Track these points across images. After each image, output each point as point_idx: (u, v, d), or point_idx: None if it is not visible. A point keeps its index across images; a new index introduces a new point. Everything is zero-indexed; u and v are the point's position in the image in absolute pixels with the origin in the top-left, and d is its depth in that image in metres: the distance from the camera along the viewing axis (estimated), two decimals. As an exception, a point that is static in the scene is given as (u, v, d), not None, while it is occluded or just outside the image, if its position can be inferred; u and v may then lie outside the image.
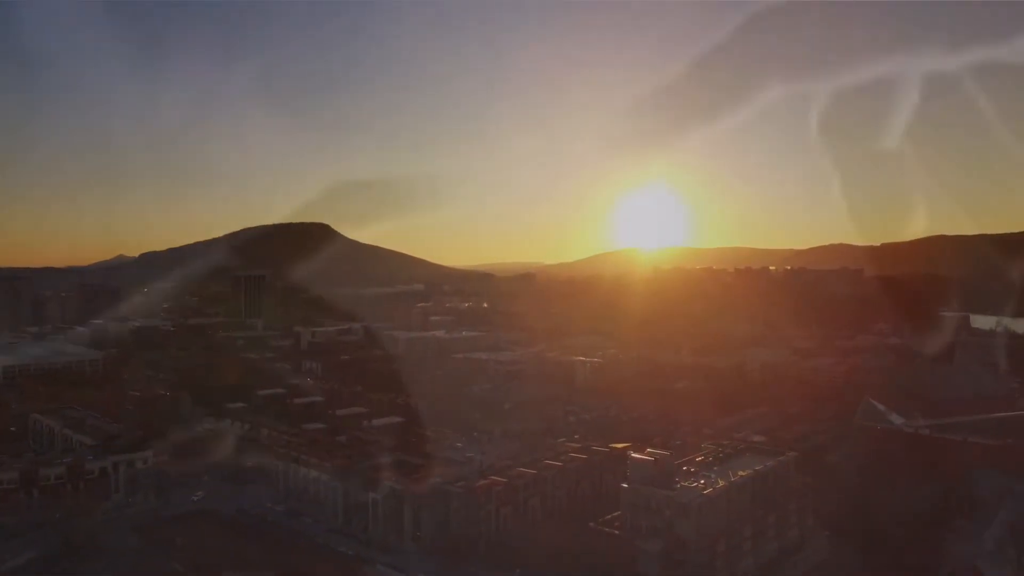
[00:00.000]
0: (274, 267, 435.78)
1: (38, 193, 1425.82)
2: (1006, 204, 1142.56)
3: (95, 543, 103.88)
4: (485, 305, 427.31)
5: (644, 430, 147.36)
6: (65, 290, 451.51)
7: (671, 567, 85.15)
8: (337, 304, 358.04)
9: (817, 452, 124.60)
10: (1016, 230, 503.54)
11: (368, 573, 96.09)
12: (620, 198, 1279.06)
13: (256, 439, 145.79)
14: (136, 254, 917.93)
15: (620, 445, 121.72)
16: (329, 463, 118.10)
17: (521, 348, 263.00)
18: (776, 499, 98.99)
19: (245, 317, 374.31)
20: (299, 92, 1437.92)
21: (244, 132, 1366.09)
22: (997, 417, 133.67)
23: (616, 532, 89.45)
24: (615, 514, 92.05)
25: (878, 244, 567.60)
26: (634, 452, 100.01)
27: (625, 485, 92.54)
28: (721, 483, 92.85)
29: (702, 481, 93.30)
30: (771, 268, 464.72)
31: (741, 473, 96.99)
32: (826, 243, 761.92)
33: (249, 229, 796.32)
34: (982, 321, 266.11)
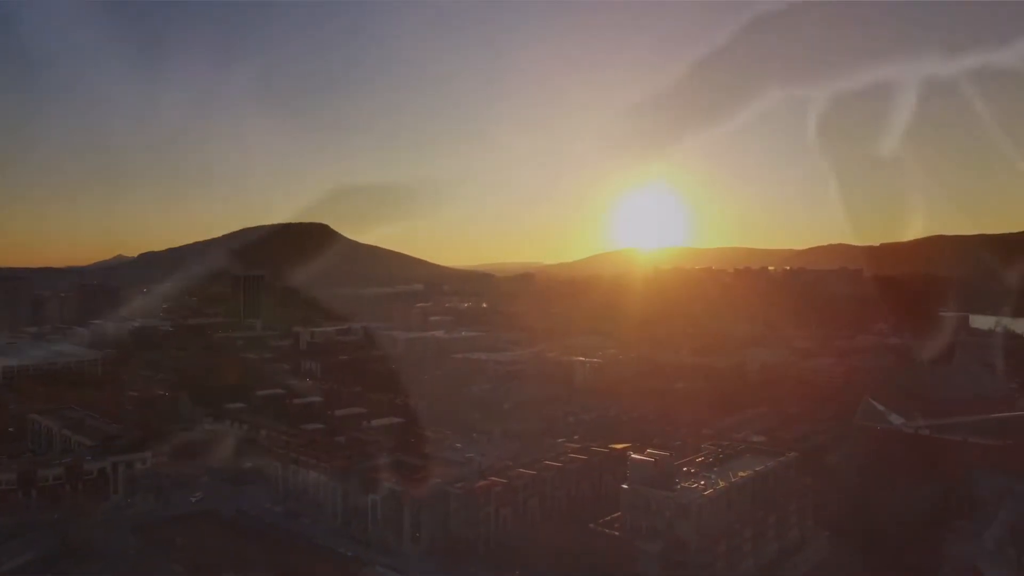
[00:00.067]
0: (273, 267, 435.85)
1: (38, 193, 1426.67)
2: (1005, 205, 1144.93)
3: (94, 544, 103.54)
4: (484, 305, 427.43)
5: (644, 430, 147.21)
6: (64, 290, 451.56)
7: (671, 568, 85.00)
8: (336, 304, 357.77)
9: (817, 452, 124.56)
10: (1015, 230, 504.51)
11: (367, 574, 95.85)
12: (620, 198, 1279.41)
13: (255, 440, 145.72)
14: (135, 254, 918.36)
15: (620, 446, 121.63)
16: (328, 464, 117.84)
17: (520, 348, 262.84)
18: (776, 500, 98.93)
19: (244, 317, 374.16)
20: (299, 92, 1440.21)
21: (244, 132, 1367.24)
22: (997, 417, 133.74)
23: (616, 533, 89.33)
24: (615, 515, 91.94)
25: (877, 244, 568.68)
26: (634, 453, 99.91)
27: (625, 486, 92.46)
28: (721, 484, 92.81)
29: (702, 482, 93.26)
30: (770, 268, 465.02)
31: (741, 474, 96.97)
32: (825, 243, 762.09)
33: (249, 229, 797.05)
34: (981, 321, 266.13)
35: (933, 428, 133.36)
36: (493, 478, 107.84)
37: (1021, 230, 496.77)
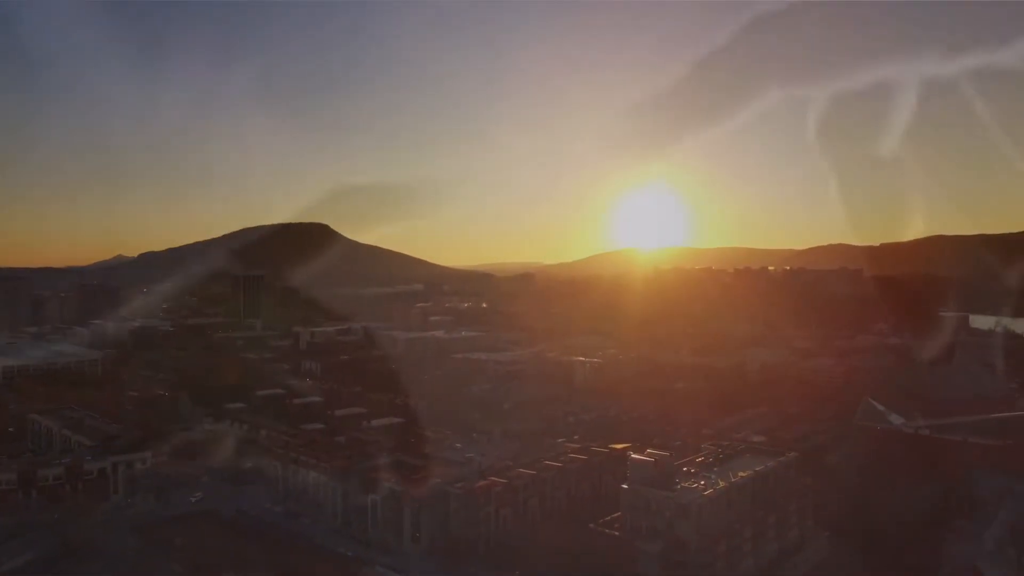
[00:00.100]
0: (273, 267, 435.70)
1: (37, 193, 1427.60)
2: (1005, 205, 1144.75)
3: (94, 544, 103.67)
4: (484, 305, 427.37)
5: (644, 430, 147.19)
6: (64, 290, 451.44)
7: (671, 568, 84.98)
8: (336, 304, 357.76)
9: (817, 452, 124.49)
10: (1015, 230, 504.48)
11: (367, 574, 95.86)
12: (619, 198, 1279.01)
13: (255, 440, 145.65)
14: (135, 254, 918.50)
15: (620, 446, 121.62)
16: (328, 464, 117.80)
17: (520, 348, 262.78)
18: (776, 500, 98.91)
19: (244, 317, 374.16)
20: (299, 92, 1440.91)
21: (244, 132, 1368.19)
22: (997, 417, 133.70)
23: (616, 533, 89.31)
24: (615, 515, 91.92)
25: (877, 244, 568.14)
26: (634, 453, 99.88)
27: (625, 486, 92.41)
28: (721, 484, 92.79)
29: (702, 482, 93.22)
30: (770, 268, 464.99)
31: (741, 474, 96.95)
32: (825, 243, 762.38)
33: (248, 229, 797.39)
34: (981, 321, 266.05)
35: (933, 428, 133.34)
36: (493, 478, 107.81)
37: (1021, 230, 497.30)
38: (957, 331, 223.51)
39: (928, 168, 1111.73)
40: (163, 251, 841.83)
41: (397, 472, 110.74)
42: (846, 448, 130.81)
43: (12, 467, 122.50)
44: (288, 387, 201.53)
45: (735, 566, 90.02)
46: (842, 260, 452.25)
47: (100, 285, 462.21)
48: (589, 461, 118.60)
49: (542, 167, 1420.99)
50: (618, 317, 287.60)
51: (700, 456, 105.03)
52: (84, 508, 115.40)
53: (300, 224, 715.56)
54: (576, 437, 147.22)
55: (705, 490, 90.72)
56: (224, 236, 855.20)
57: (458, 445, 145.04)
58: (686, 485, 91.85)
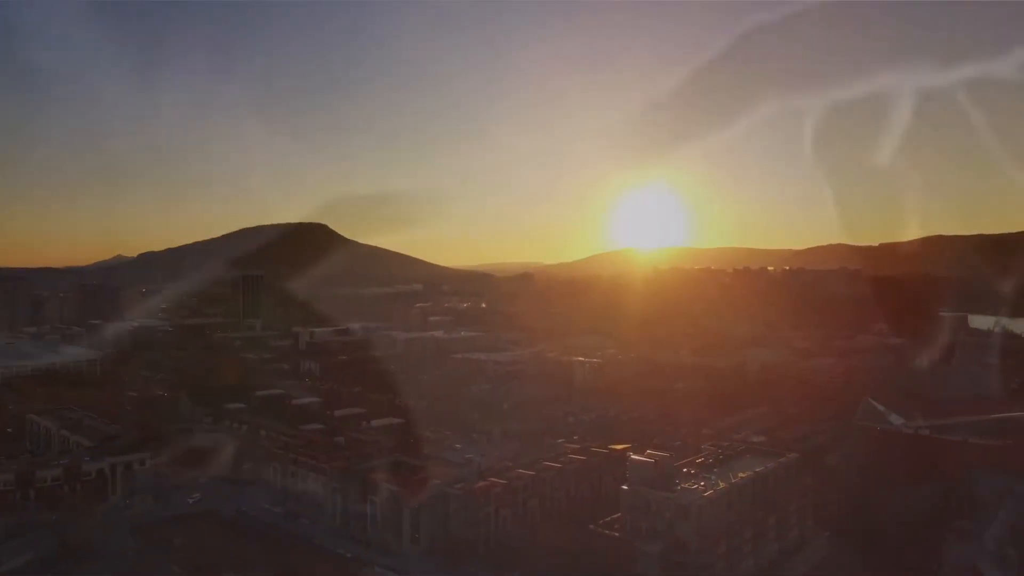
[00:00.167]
0: (273, 267, 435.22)
1: (37, 193, 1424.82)
2: (1004, 205, 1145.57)
3: (93, 545, 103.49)
4: (484, 305, 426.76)
5: (644, 431, 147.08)
6: (64, 290, 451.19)
7: (671, 569, 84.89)
8: (336, 304, 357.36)
9: (817, 453, 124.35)
10: (1013, 230, 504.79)
11: (367, 575, 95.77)
12: (619, 198, 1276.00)
13: (255, 440, 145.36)
14: (135, 254, 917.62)
15: (620, 446, 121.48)
16: (328, 465, 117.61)
17: (520, 348, 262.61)
18: (777, 501, 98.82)
19: (243, 317, 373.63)
20: (299, 92, 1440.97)
21: (243, 133, 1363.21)
22: (997, 417, 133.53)
23: (616, 534, 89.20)
24: (615, 516, 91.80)
25: (876, 244, 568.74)
26: (634, 453, 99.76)
27: (625, 487, 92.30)
28: (722, 485, 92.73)
29: (702, 483, 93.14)
30: (770, 268, 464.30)
31: (741, 475, 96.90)
32: (824, 243, 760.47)
33: (248, 230, 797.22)
34: (980, 321, 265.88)
35: (933, 428, 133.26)
36: (493, 479, 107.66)
37: (1019, 230, 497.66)
38: (956, 331, 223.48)
39: (927, 169, 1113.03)
40: (162, 251, 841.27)
41: (396, 473, 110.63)
42: (846, 448, 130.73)
43: (10, 468, 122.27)
44: (287, 387, 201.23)
45: (735, 567, 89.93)
46: (841, 260, 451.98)
47: (100, 285, 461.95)
48: (589, 462, 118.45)
49: (542, 167, 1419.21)
50: (618, 317, 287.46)
51: (700, 457, 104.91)
52: (83, 509, 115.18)
53: (299, 224, 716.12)
54: (576, 437, 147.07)
55: (705, 491, 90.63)
56: (223, 236, 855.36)
57: (457, 445, 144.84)
58: (686, 486, 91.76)
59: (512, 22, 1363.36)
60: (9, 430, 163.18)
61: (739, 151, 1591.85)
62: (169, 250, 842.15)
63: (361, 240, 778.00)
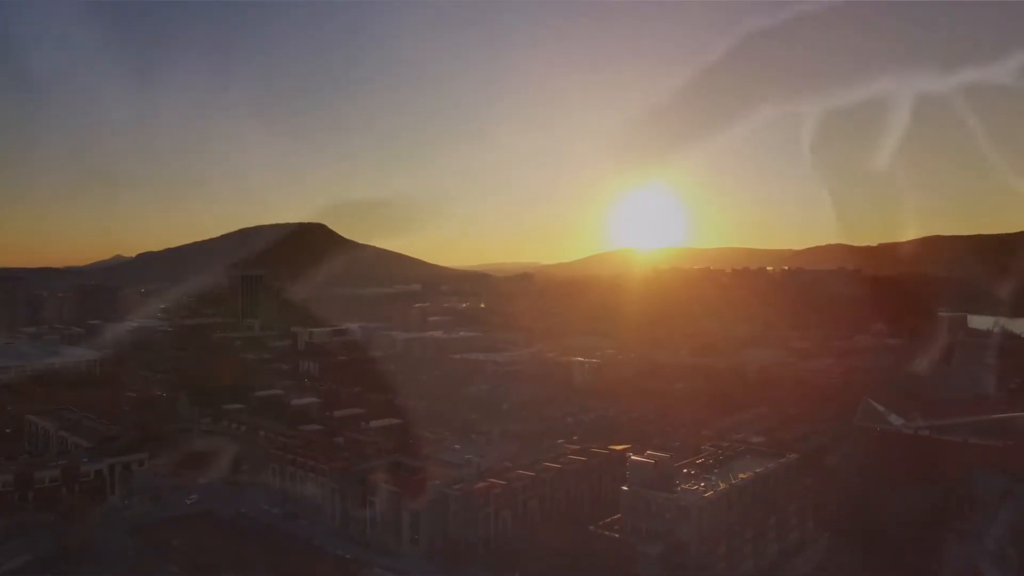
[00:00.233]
0: (272, 268, 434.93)
1: (36, 193, 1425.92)
2: (1002, 205, 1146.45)
3: (91, 545, 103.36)
4: (483, 305, 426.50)
5: (643, 431, 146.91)
6: (63, 291, 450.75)
7: (671, 570, 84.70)
8: (334, 305, 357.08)
9: (817, 453, 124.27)
10: (1012, 230, 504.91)
11: None
12: (618, 199, 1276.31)
13: (253, 441, 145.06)
14: (134, 254, 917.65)
15: (619, 447, 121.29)
16: (327, 465, 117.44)
17: (519, 348, 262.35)
18: (777, 501, 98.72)
19: (242, 318, 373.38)
20: (299, 93, 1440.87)
21: (243, 133, 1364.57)
22: (997, 417, 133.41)
23: (616, 535, 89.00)
24: (615, 517, 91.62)
25: (875, 245, 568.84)
26: (633, 454, 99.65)
27: (625, 488, 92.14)
28: (722, 486, 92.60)
29: (702, 484, 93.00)
30: (769, 268, 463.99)
31: (741, 475, 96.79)
32: (823, 243, 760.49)
33: (247, 230, 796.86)
34: (979, 321, 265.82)
35: (933, 428, 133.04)
36: (492, 480, 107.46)
37: (1018, 230, 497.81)
38: (955, 331, 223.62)
39: (925, 170, 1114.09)
40: (162, 252, 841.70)
41: (396, 474, 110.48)
42: (846, 448, 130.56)
43: (9, 468, 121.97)
44: (286, 388, 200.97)
45: (735, 568, 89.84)
46: (840, 260, 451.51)
47: (99, 286, 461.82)
48: (588, 462, 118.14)
49: (541, 168, 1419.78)
50: (617, 317, 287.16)
51: (700, 457, 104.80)
52: (81, 510, 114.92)
53: (299, 224, 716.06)
54: (575, 438, 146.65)
55: (705, 492, 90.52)
56: (222, 237, 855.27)
57: (457, 446, 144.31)
58: (686, 487, 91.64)
59: (512, 22, 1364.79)
60: (8, 431, 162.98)
61: (738, 152, 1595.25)
62: (168, 250, 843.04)
63: (360, 240, 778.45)
